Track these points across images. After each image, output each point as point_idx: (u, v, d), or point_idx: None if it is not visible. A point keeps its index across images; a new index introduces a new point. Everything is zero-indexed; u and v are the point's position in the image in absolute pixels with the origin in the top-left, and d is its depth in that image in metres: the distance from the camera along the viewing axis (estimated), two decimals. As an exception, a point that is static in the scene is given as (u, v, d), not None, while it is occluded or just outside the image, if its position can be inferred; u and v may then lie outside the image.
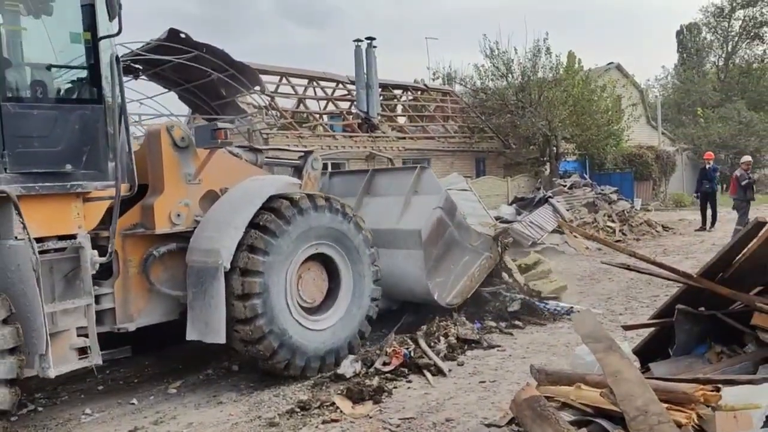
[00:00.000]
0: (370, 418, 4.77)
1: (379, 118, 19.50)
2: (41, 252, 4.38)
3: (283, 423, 4.76)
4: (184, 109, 17.93)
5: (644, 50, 72.66)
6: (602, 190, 17.91)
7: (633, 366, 3.10)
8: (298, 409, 4.98)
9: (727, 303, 4.08)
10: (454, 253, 7.24)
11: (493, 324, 7.14)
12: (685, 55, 45.50)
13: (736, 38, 42.43)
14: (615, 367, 2.81)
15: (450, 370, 5.74)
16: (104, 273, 5.12)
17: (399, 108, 23.25)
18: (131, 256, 5.34)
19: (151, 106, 17.69)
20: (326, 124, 19.88)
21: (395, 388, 5.38)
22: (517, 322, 7.23)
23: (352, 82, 19.47)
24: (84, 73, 4.82)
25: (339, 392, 5.23)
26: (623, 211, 16.81)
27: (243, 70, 14.67)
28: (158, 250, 5.38)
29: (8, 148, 4.26)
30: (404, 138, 20.36)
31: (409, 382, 5.55)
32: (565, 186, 17.98)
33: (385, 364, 5.80)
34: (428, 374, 5.65)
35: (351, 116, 19.97)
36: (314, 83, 20.14)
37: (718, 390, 2.81)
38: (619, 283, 9.67)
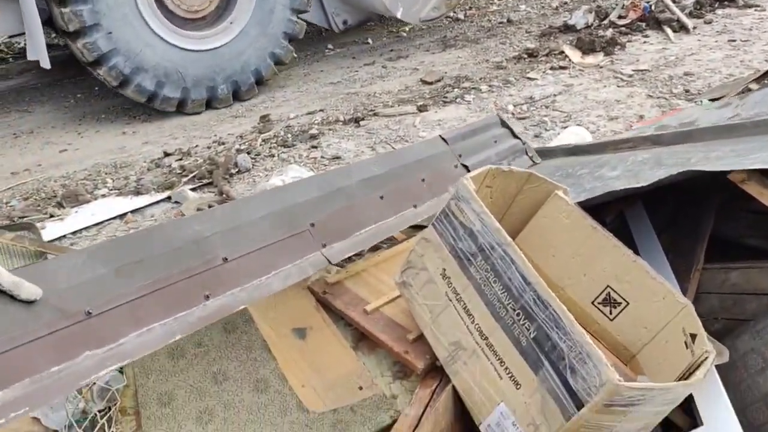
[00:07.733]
0: (600, 68, 4.67)
1: None
2: None
3: (511, 67, 4.85)
4: None
5: None
6: None
7: None
8: (526, 56, 5.01)
9: None
10: None
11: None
12: None
13: None
14: None
15: (695, 28, 5.24)
16: None
17: None
18: None
19: None
20: None
21: (629, 42, 5.09)
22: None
23: None
24: None
25: (568, 42, 5.09)
26: None
27: None
28: None
29: None
30: None
31: (646, 37, 5.20)
32: None
33: (620, 17, 5.43)
34: (669, 30, 5.21)
35: None
36: None
37: None
38: None
